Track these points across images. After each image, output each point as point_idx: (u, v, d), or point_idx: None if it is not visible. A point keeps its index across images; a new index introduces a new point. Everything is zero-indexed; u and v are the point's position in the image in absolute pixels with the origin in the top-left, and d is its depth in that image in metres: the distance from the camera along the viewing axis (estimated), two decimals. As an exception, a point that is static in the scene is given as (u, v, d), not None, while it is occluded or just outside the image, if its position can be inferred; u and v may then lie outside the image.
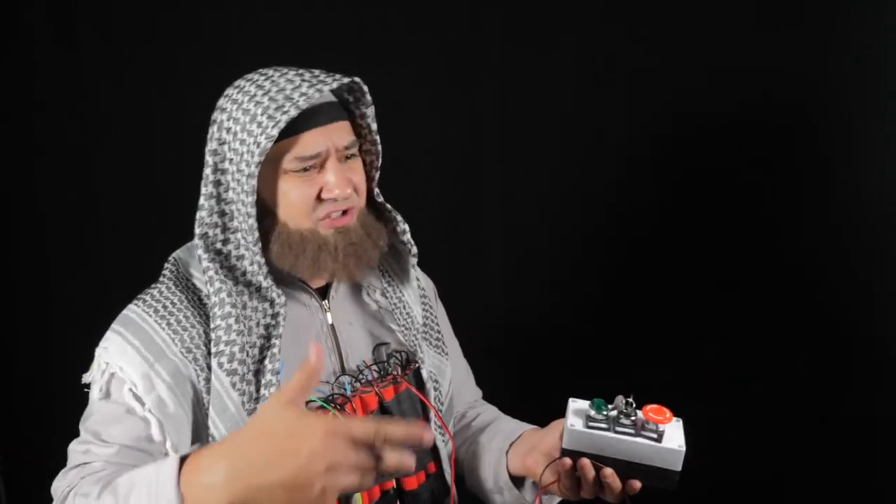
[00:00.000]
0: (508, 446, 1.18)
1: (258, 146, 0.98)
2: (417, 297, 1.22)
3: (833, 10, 1.90)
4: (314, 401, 1.05)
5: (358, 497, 1.07)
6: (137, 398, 0.99)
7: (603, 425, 0.96)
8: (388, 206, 1.16)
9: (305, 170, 1.02)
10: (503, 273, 2.14)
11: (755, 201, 2.03)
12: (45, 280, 2.04)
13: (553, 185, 2.09)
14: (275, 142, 1.00)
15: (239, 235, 1.04)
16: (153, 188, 1.97)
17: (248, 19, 1.96)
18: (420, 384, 1.17)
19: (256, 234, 1.02)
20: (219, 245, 1.04)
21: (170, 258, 1.12)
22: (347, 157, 1.05)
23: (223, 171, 1.04)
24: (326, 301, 1.13)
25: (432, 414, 1.16)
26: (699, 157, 2.03)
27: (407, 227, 1.17)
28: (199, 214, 1.05)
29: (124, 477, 0.88)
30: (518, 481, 1.17)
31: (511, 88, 2.04)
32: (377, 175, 1.14)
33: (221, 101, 1.05)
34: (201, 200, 1.05)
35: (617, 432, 0.96)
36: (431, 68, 2.03)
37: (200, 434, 1.00)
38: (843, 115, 1.95)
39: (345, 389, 1.08)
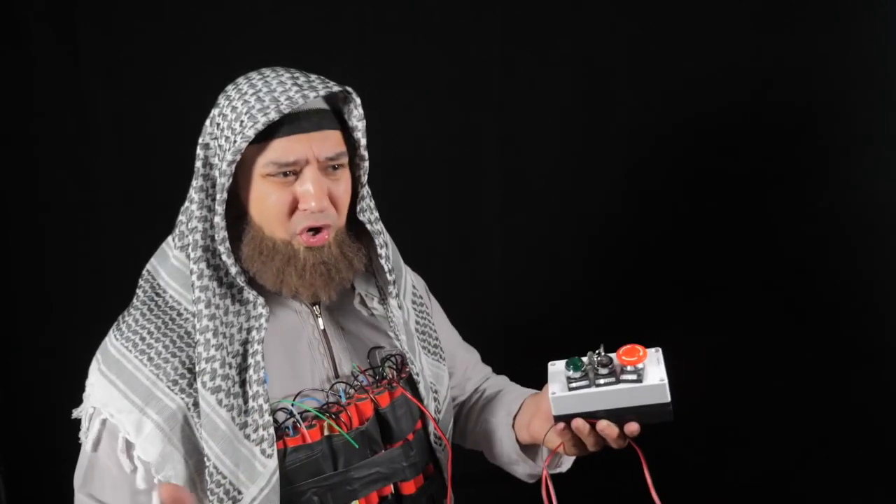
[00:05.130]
0: (512, 420, 1.18)
1: (234, 144, 0.97)
2: (411, 313, 1.21)
3: (834, 9, 1.90)
4: (309, 411, 1.04)
5: None
6: (129, 445, 0.99)
7: (583, 382, 0.97)
8: (373, 226, 1.12)
9: (285, 175, 1.00)
10: (503, 273, 2.14)
11: (756, 200, 2.03)
12: (44, 280, 2.04)
13: (553, 186, 2.09)
14: (255, 143, 0.99)
15: (216, 237, 1.03)
16: (153, 188, 1.97)
17: (249, 20, 1.96)
18: (415, 389, 1.16)
19: (224, 233, 1.01)
20: (208, 240, 1.03)
21: (143, 273, 1.10)
22: (334, 168, 1.03)
23: (211, 166, 1.03)
24: (317, 306, 1.12)
25: (429, 421, 1.15)
26: (699, 157, 2.03)
27: (385, 251, 1.13)
28: (189, 208, 1.04)
29: None
30: (531, 450, 1.17)
31: (511, 88, 2.04)
32: (363, 191, 1.10)
33: (220, 97, 1.05)
34: (191, 193, 1.04)
35: (598, 385, 0.96)
36: (431, 68, 2.03)
37: (193, 461, 1.00)
38: (844, 115, 1.95)
39: (340, 397, 1.07)
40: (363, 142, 1.07)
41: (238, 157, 0.98)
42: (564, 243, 2.11)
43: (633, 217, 2.08)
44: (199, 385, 0.98)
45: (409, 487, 1.11)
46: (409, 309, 1.23)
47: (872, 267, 2.00)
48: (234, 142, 0.97)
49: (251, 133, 0.96)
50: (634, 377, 0.96)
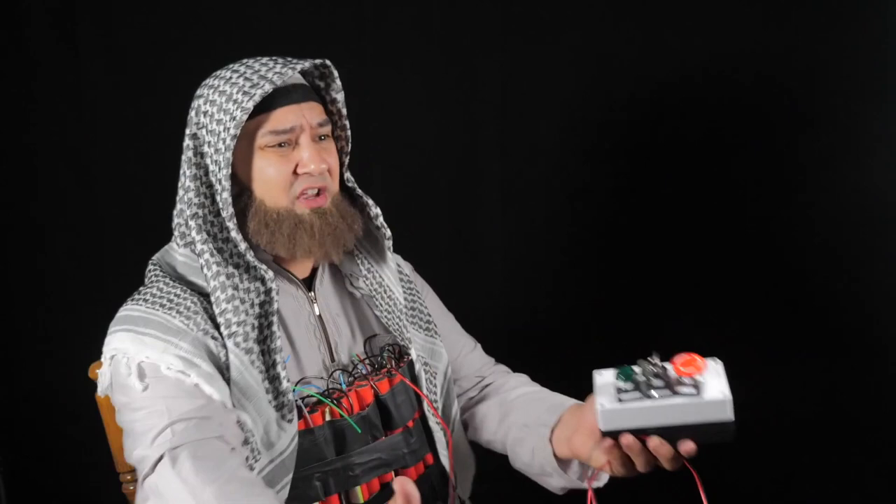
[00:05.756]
0: (550, 433, 1.12)
1: (234, 120, 1.01)
2: (397, 279, 1.22)
3: (834, 9, 1.90)
4: (312, 395, 1.06)
5: (358, 490, 1.08)
6: (180, 372, 0.99)
7: (635, 395, 0.87)
8: (360, 190, 1.18)
9: (281, 145, 1.05)
10: (503, 274, 2.14)
11: (756, 201, 2.03)
12: (44, 281, 2.04)
13: (553, 185, 2.09)
14: (250, 117, 1.03)
15: (221, 213, 1.06)
16: (153, 188, 1.97)
17: (250, 20, 1.96)
18: (414, 375, 1.17)
19: (231, 209, 1.04)
20: (208, 226, 1.06)
21: (150, 262, 1.13)
22: (321, 138, 1.08)
23: (202, 154, 1.06)
24: (312, 293, 1.14)
25: (426, 404, 1.16)
26: (699, 158, 2.03)
27: (379, 211, 1.19)
28: (186, 196, 1.06)
29: None
30: (565, 462, 1.11)
31: (511, 87, 2.04)
32: (347, 160, 1.17)
33: (198, 90, 1.09)
34: (187, 183, 1.07)
35: (652, 398, 0.87)
36: (431, 67, 2.03)
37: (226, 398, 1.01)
38: (844, 115, 1.95)
39: (340, 384, 1.09)
40: (344, 111, 1.13)
41: (239, 131, 1.01)
42: (565, 243, 2.11)
43: (634, 217, 2.08)
44: (231, 345, 1.01)
45: (409, 475, 1.12)
46: (395, 281, 1.24)
47: (873, 267, 2.00)
48: (234, 117, 1.01)
49: (250, 105, 1.01)
50: (693, 390, 0.86)
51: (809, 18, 1.92)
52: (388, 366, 1.14)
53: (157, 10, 1.94)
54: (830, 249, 2.00)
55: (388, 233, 1.20)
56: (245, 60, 1.09)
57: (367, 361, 1.14)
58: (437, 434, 1.18)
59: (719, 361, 0.91)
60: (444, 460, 1.18)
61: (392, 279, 1.21)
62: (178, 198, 1.09)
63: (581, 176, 2.08)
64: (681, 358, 0.89)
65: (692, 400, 0.86)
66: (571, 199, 2.09)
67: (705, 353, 2.15)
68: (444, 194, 2.10)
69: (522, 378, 1.32)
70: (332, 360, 1.12)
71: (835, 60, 1.93)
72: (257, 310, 1.04)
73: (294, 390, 1.05)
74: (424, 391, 1.16)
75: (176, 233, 1.10)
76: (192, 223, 1.05)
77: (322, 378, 1.10)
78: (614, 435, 0.89)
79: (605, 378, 0.93)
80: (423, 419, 1.17)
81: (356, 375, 1.11)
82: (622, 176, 2.06)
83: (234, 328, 1.01)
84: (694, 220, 2.05)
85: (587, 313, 2.13)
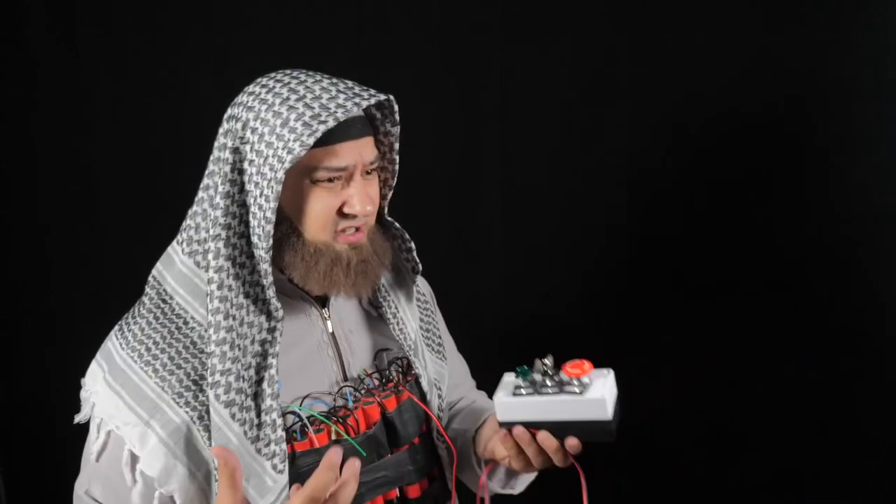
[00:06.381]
0: (475, 432, 1.20)
1: (290, 152, 0.95)
2: (415, 312, 1.21)
3: (834, 9, 1.90)
4: (316, 416, 1.04)
5: None
6: (134, 458, 0.97)
7: (529, 391, 0.99)
8: (397, 224, 1.15)
9: (331, 181, 1.00)
10: (503, 274, 2.14)
11: (757, 201, 2.03)
12: (44, 281, 2.04)
13: (553, 185, 2.09)
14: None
15: (253, 240, 1.01)
16: (153, 189, 1.97)
17: (250, 20, 1.96)
18: (421, 392, 1.16)
19: (270, 241, 0.99)
20: (230, 249, 1.01)
21: (150, 278, 1.08)
22: (368, 173, 1.04)
23: (241, 172, 1.00)
24: (326, 309, 1.12)
25: (434, 423, 1.16)
26: (700, 160, 2.03)
27: (413, 245, 1.17)
28: (213, 214, 1.01)
29: None
30: (495, 469, 1.19)
31: (511, 87, 2.04)
32: (390, 194, 1.13)
33: (246, 99, 1.01)
34: (216, 199, 1.01)
35: (541, 393, 0.98)
36: (431, 68, 2.03)
37: (201, 473, 0.99)
38: (844, 115, 1.95)
39: (347, 401, 1.07)
40: (396, 146, 1.09)
41: (294, 164, 0.96)
42: (566, 245, 2.11)
43: (634, 218, 2.08)
44: (211, 398, 0.97)
45: (414, 491, 1.12)
46: (413, 307, 1.24)
47: (874, 268, 2.00)
48: (290, 150, 0.95)
49: (310, 141, 0.94)
50: (576, 390, 0.97)
51: (809, 18, 1.92)
52: (396, 380, 1.13)
53: (158, 10, 1.94)
54: (830, 249, 2.00)
55: (420, 267, 1.18)
56: (300, 77, 1.01)
57: (374, 375, 1.12)
58: (440, 452, 1.18)
59: (611, 371, 1.01)
60: (448, 474, 1.18)
61: (407, 312, 1.19)
62: (196, 199, 1.04)
63: (581, 176, 2.08)
64: (571, 362, 0.99)
65: (574, 398, 0.96)
66: (571, 199, 2.09)
67: (705, 353, 2.16)
68: (444, 194, 2.10)
69: (481, 394, 1.37)
70: (345, 377, 1.10)
71: (835, 60, 1.93)
72: (257, 347, 1.00)
73: (300, 409, 1.03)
74: (435, 412, 1.16)
75: (184, 235, 1.05)
76: (211, 245, 1.00)
77: (330, 394, 1.08)
78: (510, 427, 1.00)
79: (508, 378, 1.04)
80: (429, 435, 1.17)
81: (362, 391, 1.10)
82: (621, 175, 2.06)
83: (217, 377, 0.97)
84: (694, 220, 2.05)
85: (587, 314, 2.13)
